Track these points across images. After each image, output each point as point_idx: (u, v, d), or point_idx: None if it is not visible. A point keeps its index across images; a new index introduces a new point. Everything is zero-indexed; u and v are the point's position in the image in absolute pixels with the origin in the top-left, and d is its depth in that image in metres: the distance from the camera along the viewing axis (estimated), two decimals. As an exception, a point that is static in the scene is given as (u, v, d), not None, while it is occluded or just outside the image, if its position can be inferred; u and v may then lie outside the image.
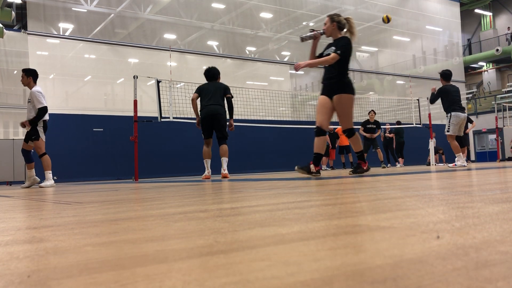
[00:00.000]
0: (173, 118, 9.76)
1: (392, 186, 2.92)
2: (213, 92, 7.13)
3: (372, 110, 12.53)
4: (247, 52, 17.57)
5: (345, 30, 5.32)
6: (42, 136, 6.67)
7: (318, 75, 22.77)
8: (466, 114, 8.28)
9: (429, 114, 13.17)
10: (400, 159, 13.80)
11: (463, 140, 10.53)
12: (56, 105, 11.91)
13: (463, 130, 8.36)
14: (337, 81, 5.26)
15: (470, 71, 33.12)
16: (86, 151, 11.39)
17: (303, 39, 5.50)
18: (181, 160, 12.35)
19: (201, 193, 3.10)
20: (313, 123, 14.64)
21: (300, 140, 14.19)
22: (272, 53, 17.84)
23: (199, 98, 7.24)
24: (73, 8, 13.47)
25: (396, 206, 1.54)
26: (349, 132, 5.40)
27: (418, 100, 14.10)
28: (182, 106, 10.34)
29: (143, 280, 0.63)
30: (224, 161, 7.14)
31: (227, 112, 7.28)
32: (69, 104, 13.04)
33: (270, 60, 17.44)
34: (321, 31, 5.39)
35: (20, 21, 19.29)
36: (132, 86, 9.48)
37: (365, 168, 5.46)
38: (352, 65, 22.38)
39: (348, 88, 5.26)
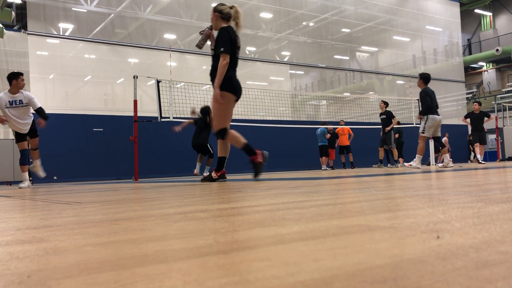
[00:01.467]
0: (173, 118, 9.76)
1: (392, 186, 2.92)
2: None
3: (382, 101, 12.24)
4: (247, 52, 17.56)
5: (232, 20, 4.86)
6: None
7: (318, 75, 22.79)
8: (441, 117, 8.50)
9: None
10: (400, 159, 13.78)
11: (481, 137, 11.36)
12: (56, 105, 11.92)
13: (438, 132, 8.51)
14: (214, 77, 4.76)
15: (470, 71, 33.12)
16: (86, 151, 11.39)
17: (200, 46, 5.08)
18: (181, 160, 12.34)
19: (201, 193, 3.10)
20: (313, 123, 14.69)
21: (300, 140, 14.20)
22: (272, 53, 17.84)
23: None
24: (73, 8, 13.47)
25: (396, 206, 1.54)
26: (218, 134, 4.91)
27: (418, 100, 14.09)
28: (182, 106, 10.34)
29: (143, 280, 0.63)
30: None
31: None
32: (69, 104, 13.04)
33: (270, 60, 17.43)
34: (210, 26, 4.93)
35: (20, 21, 19.29)
36: (132, 86, 9.48)
37: (217, 175, 4.99)
38: (352, 65, 22.31)
39: (223, 85, 4.70)
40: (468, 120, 11.98)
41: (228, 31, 4.71)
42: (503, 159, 19.14)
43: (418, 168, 8.28)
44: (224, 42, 4.65)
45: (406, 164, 9.00)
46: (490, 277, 0.57)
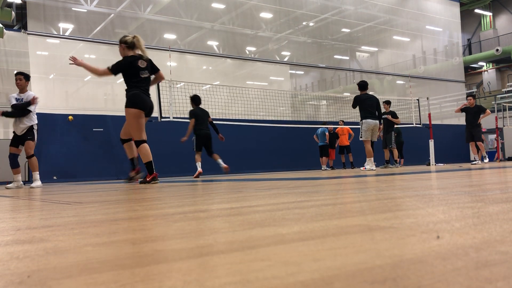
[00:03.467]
0: (173, 118, 9.76)
1: (392, 186, 2.92)
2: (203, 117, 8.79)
3: (384, 101, 11.88)
4: (247, 52, 17.56)
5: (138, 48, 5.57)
6: (35, 139, 6.81)
7: (318, 75, 22.79)
8: (376, 121, 8.62)
9: (429, 114, 13.15)
10: (401, 160, 13.77)
11: (474, 134, 10.77)
12: (56, 105, 11.90)
13: (384, 135, 8.71)
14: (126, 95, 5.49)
15: (470, 71, 33.11)
16: (86, 151, 11.39)
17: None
18: (180, 160, 12.34)
19: (201, 193, 3.10)
20: (313, 122, 14.69)
21: (300, 140, 14.19)
22: (272, 53, 17.83)
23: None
24: (73, 8, 13.46)
25: (396, 206, 1.54)
26: (136, 144, 5.48)
27: (418, 100, 14.09)
28: (182, 106, 10.33)
29: (143, 280, 0.63)
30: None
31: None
32: (69, 104, 13.03)
33: (270, 60, 17.43)
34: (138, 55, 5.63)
35: (20, 21, 19.27)
36: (132, 86, 9.47)
37: (148, 179, 5.36)
38: (352, 65, 22.31)
39: (127, 102, 5.39)
40: (463, 113, 11.45)
41: (124, 59, 5.48)
42: (503, 159, 19.14)
43: (373, 169, 8.40)
44: (115, 65, 5.49)
45: (361, 168, 8.97)
46: (490, 277, 0.57)
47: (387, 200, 1.80)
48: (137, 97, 5.32)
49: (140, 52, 5.52)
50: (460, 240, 0.82)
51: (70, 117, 9.98)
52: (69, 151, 11.16)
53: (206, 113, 9.04)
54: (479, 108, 11.03)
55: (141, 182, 5.45)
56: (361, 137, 8.54)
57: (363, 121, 8.50)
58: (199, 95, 9.22)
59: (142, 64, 5.44)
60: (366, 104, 8.55)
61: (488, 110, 11.06)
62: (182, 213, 1.62)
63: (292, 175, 7.96)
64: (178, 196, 2.78)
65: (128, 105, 5.34)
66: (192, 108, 8.94)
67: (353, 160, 13.70)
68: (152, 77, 5.69)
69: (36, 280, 0.66)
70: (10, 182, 6.95)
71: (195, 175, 8.82)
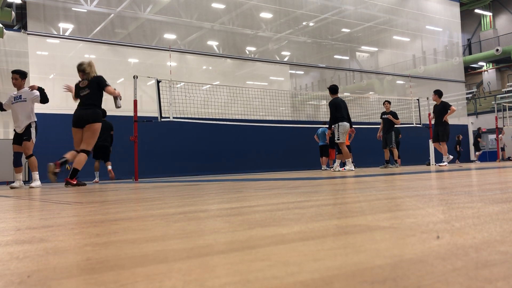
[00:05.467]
0: (173, 118, 9.76)
1: (392, 186, 2.92)
2: None
3: (386, 100, 11.65)
4: (247, 52, 17.56)
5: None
6: (34, 138, 6.81)
7: (318, 75, 22.78)
8: (349, 124, 8.82)
9: (429, 114, 13.16)
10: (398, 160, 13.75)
11: (440, 133, 9.86)
12: (56, 105, 11.88)
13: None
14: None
15: (470, 71, 33.11)
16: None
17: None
18: (181, 160, 12.34)
19: (201, 193, 3.10)
20: (313, 122, 14.68)
21: (300, 140, 14.19)
22: (272, 53, 17.83)
23: None
24: (73, 8, 13.46)
25: (396, 206, 1.54)
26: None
27: (418, 100, 14.10)
28: (182, 106, 10.33)
29: (143, 280, 0.63)
30: None
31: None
32: (69, 104, 13.01)
33: (270, 60, 17.43)
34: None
35: (20, 21, 19.28)
36: (132, 86, 9.48)
37: (74, 182, 6.25)
38: (352, 65, 22.31)
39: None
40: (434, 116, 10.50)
41: (100, 78, 6.44)
42: (503, 159, 19.14)
43: (352, 170, 8.63)
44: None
45: (340, 169, 9.02)
46: (490, 277, 0.57)
47: (387, 200, 1.80)
48: (73, 117, 6.35)
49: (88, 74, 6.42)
50: (460, 240, 0.82)
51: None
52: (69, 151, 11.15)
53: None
54: (443, 105, 10.14)
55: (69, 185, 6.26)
56: (337, 139, 8.71)
57: (340, 123, 8.68)
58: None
59: (82, 84, 6.42)
60: (342, 107, 8.79)
61: (453, 107, 10.04)
62: (182, 213, 1.62)
63: (292, 175, 7.96)
64: (178, 196, 2.78)
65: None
66: None
67: (353, 160, 13.70)
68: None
69: (36, 280, 0.66)
70: (11, 182, 6.98)
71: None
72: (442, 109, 10.06)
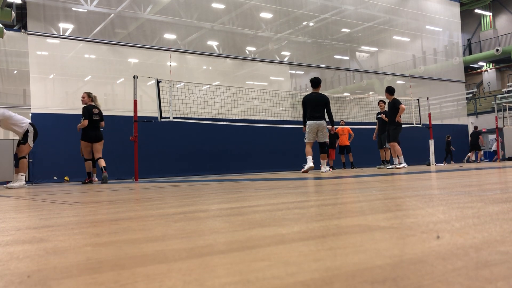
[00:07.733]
0: (173, 118, 9.76)
1: (392, 186, 2.92)
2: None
3: (381, 100, 11.52)
4: (247, 52, 17.55)
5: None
6: (30, 143, 7.04)
7: (318, 75, 22.74)
8: (321, 121, 8.16)
9: (429, 114, 13.16)
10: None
11: (389, 134, 9.40)
12: (56, 105, 11.89)
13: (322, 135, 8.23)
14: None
15: (470, 71, 33.10)
16: (86, 151, 11.38)
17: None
18: (181, 160, 12.34)
19: (201, 193, 3.10)
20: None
21: (300, 140, 14.16)
22: (272, 53, 17.83)
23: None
24: (73, 8, 13.46)
25: (396, 206, 1.54)
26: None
27: (418, 100, 14.09)
28: (182, 106, 10.33)
29: (143, 280, 0.63)
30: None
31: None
32: (69, 104, 13.01)
33: (270, 60, 17.42)
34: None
35: (20, 21, 19.28)
36: (132, 86, 9.48)
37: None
38: (352, 65, 22.30)
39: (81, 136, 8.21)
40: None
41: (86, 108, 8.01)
42: (503, 159, 19.13)
43: (328, 172, 8.26)
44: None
45: (328, 169, 8.59)
46: (490, 277, 0.57)
47: (387, 200, 1.80)
48: (87, 133, 8.01)
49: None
50: (460, 240, 0.82)
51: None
52: (69, 151, 11.15)
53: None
54: (394, 103, 9.36)
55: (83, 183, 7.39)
56: (305, 139, 8.29)
57: (307, 123, 8.23)
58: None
59: (95, 111, 8.04)
60: (308, 105, 8.23)
61: (402, 105, 9.23)
62: (182, 213, 1.62)
63: (292, 175, 7.95)
64: (178, 196, 2.78)
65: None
66: None
67: (353, 160, 13.71)
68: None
69: (36, 280, 0.66)
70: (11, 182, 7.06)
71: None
72: (392, 107, 9.31)
